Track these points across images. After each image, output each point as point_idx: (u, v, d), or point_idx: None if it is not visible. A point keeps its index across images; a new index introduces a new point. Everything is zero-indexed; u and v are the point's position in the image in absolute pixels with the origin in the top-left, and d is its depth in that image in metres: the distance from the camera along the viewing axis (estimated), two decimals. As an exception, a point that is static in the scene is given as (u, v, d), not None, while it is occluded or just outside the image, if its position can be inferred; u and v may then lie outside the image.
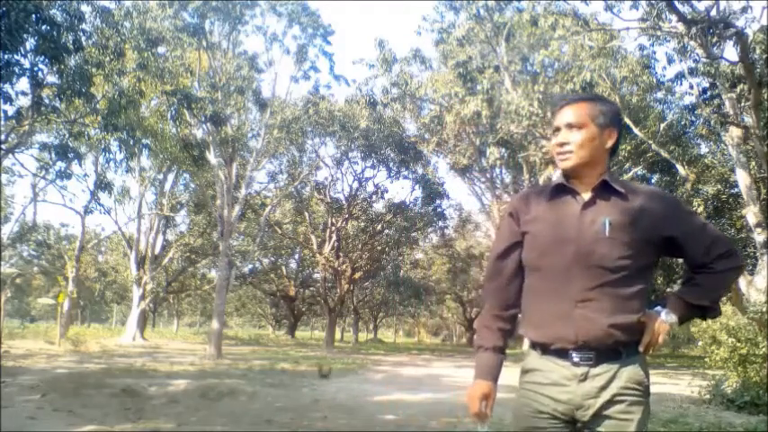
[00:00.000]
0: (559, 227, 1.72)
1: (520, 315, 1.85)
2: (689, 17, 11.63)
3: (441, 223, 28.91)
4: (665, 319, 1.70)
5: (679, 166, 16.39)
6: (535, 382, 1.74)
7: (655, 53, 16.62)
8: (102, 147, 16.75)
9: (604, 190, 1.73)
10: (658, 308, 1.73)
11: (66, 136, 14.71)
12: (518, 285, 1.83)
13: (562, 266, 1.69)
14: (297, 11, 17.84)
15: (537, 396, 1.73)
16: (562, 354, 1.69)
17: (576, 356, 1.67)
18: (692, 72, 15.06)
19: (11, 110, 12.41)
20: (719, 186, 18.88)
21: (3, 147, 14.16)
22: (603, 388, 1.65)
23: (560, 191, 1.77)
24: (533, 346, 1.78)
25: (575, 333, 1.65)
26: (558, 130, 1.78)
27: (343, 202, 26.80)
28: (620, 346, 1.67)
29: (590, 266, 1.66)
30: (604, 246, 1.66)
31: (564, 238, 1.70)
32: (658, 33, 14.11)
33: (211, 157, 17.20)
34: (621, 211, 1.69)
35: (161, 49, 16.72)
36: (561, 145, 1.76)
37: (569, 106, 1.79)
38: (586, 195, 1.73)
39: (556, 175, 1.80)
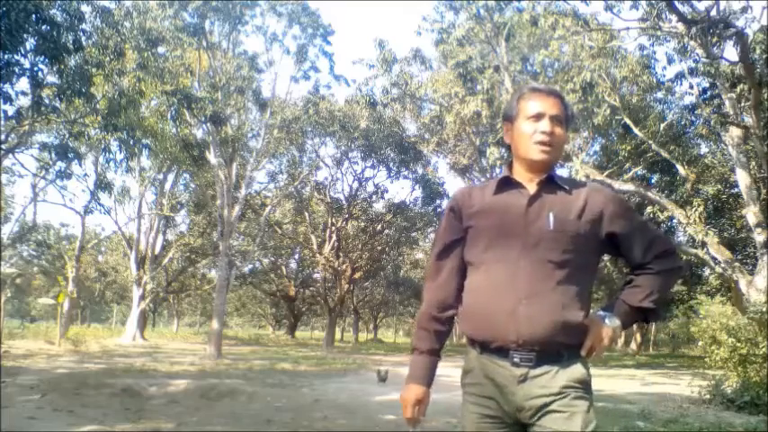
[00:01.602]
0: (506, 220, 1.67)
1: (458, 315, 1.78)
2: (689, 17, 11.65)
3: (441, 223, 28.86)
4: (609, 323, 1.65)
5: (679, 166, 16.40)
6: (476, 383, 1.69)
7: (655, 53, 16.69)
8: (102, 147, 16.73)
9: (549, 184, 1.70)
10: (601, 312, 1.69)
11: (67, 136, 14.69)
12: (458, 285, 1.76)
13: (509, 260, 1.64)
14: (297, 11, 17.86)
15: (481, 399, 1.68)
16: (502, 353, 1.63)
17: (516, 356, 1.60)
18: (692, 72, 15.08)
19: (11, 110, 12.41)
20: (719, 186, 18.90)
21: (3, 147, 14.16)
22: (544, 387, 1.59)
23: (506, 184, 1.73)
24: (472, 344, 1.71)
25: (516, 331, 1.59)
26: (541, 116, 1.69)
27: (343, 202, 26.82)
28: (561, 348, 1.61)
29: (536, 261, 1.62)
30: (549, 239, 1.62)
31: (510, 232, 1.65)
32: (658, 33, 14.13)
33: (211, 157, 17.21)
34: (566, 206, 1.66)
35: (161, 49, 16.71)
36: (548, 134, 1.68)
37: (555, 98, 1.73)
38: (532, 189, 1.69)
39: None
